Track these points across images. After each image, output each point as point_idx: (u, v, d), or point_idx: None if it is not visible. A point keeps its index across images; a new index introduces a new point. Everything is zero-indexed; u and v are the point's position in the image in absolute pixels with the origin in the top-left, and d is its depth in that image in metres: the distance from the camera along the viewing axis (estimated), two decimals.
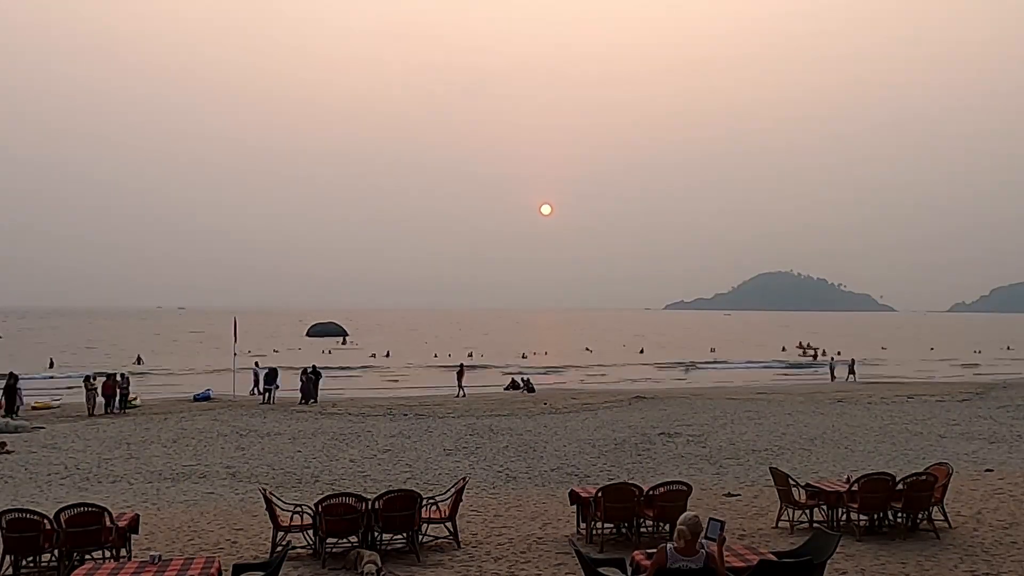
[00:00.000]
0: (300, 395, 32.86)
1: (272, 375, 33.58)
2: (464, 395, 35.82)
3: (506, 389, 39.39)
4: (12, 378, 28.52)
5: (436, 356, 69.48)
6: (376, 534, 9.82)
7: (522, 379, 40.43)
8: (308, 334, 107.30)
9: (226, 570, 8.08)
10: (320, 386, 33.55)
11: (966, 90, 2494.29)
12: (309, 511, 9.89)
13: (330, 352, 73.13)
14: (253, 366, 38.41)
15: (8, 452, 19.74)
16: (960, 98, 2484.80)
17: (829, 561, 7.56)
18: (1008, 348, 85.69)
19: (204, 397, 33.96)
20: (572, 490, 11.37)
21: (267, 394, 32.76)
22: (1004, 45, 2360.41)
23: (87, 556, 9.13)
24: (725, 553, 6.78)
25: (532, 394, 36.91)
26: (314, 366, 34.70)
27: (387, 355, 70.92)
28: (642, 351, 78.77)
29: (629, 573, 7.51)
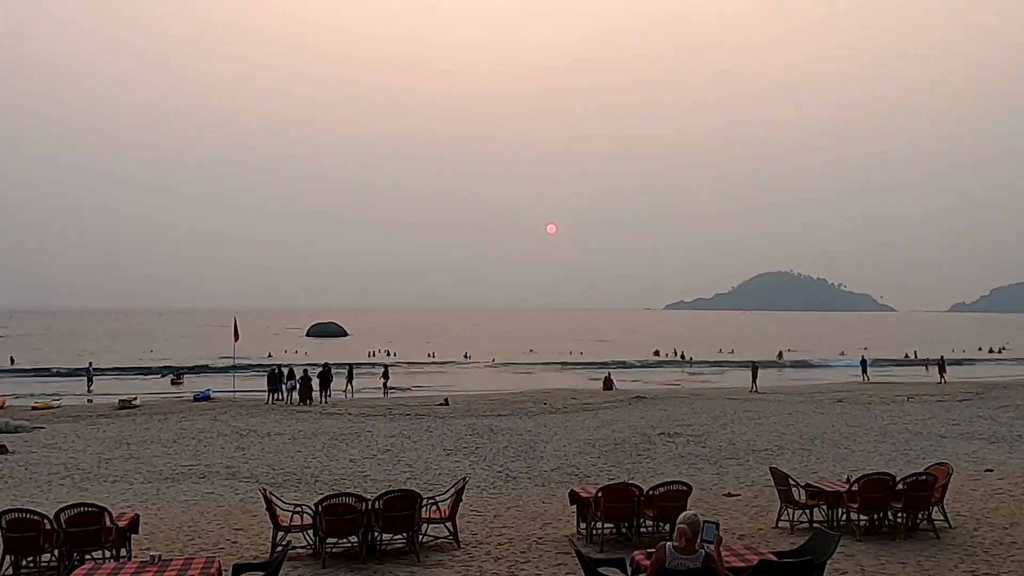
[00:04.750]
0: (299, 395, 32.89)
1: (292, 375, 33.52)
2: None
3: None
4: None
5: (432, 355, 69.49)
6: (376, 534, 9.82)
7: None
8: (308, 334, 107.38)
9: (226, 570, 8.07)
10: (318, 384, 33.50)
11: (966, 90, 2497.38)
12: (309, 511, 9.88)
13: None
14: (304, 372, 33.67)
15: (8, 452, 19.75)
16: (959, 98, 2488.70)
17: (829, 561, 7.55)
18: (995, 349, 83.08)
19: (204, 397, 34.01)
20: (572, 490, 11.36)
21: (291, 393, 32.68)
22: (1002, 45, 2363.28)
23: (87, 556, 9.13)
24: (724, 553, 6.78)
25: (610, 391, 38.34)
26: (326, 364, 34.60)
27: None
28: (780, 355, 72.95)
29: (629, 573, 7.50)
